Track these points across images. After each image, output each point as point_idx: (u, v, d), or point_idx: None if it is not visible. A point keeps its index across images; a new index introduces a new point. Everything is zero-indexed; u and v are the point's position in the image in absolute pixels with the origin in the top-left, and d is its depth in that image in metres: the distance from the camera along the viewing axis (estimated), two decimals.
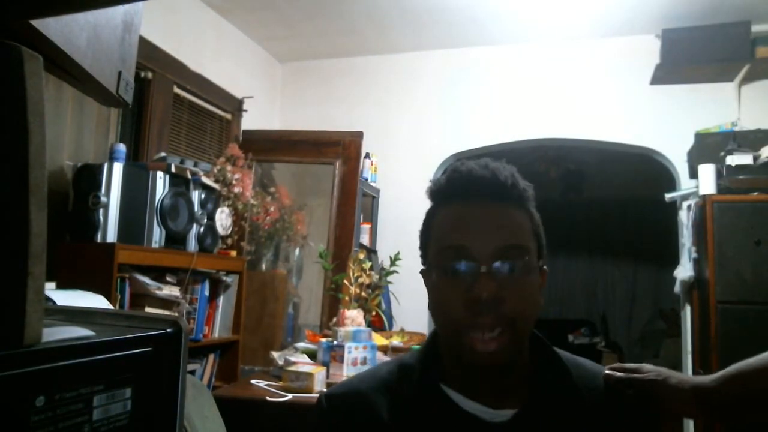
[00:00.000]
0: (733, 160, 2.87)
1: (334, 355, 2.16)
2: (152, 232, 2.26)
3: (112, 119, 2.66)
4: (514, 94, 3.67)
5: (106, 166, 2.13)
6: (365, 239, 3.62)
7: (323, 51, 3.92)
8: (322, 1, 3.22)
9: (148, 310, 2.16)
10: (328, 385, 2.00)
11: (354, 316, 2.38)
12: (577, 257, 6.94)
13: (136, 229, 2.22)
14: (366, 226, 3.66)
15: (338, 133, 3.57)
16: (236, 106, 3.57)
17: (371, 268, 2.70)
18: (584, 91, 3.55)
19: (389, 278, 2.84)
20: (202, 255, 2.51)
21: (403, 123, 3.84)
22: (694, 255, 2.96)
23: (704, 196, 2.83)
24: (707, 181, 2.88)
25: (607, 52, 3.53)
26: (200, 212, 2.55)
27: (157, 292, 2.20)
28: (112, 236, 2.10)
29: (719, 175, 2.88)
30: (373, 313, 2.76)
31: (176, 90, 3.05)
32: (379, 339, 2.44)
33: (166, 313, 2.22)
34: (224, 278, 2.70)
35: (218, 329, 2.69)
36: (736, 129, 3.10)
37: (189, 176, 2.49)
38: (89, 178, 2.11)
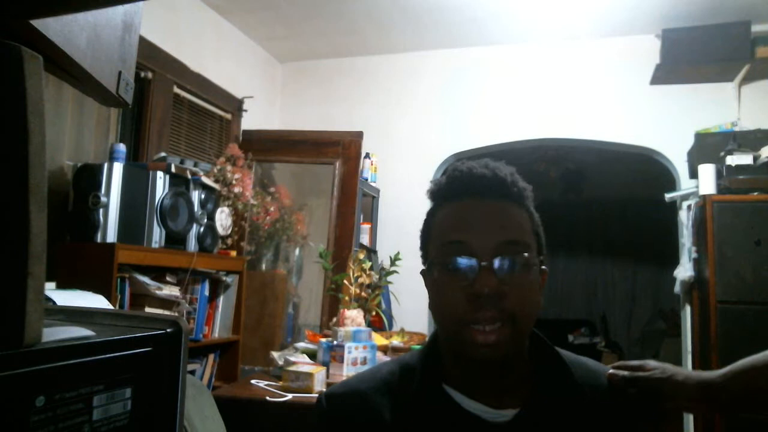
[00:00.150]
0: (733, 160, 2.87)
1: (334, 355, 2.16)
2: (152, 232, 2.26)
3: (112, 119, 2.67)
4: (514, 94, 3.67)
5: (106, 166, 2.13)
6: (365, 239, 3.62)
7: (323, 51, 3.92)
8: (322, 1, 3.22)
9: (148, 310, 2.16)
10: (328, 385, 2.00)
11: (354, 316, 2.38)
12: (577, 257, 6.95)
13: (136, 229, 2.22)
14: (366, 226, 3.66)
15: (338, 133, 3.57)
16: (236, 106, 3.57)
17: (371, 268, 2.70)
18: (584, 91, 3.55)
19: (389, 278, 2.84)
20: (202, 255, 2.51)
21: (403, 123, 3.84)
22: (694, 255, 2.96)
23: (704, 196, 2.83)
24: (707, 181, 2.88)
25: (607, 52, 3.53)
26: (200, 212, 2.55)
27: (157, 292, 2.20)
28: (112, 236, 2.10)
29: (719, 175, 2.88)
30: (373, 313, 2.76)
31: (176, 90, 3.05)
32: (379, 339, 2.44)
33: (166, 313, 2.22)
34: (224, 278, 2.70)
35: (218, 329, 2.69)
36: (736, 129, 3.10)
37: (189, 176, 2.49)
38: (89, 178, 2.11)
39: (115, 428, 0.45)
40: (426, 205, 0.87)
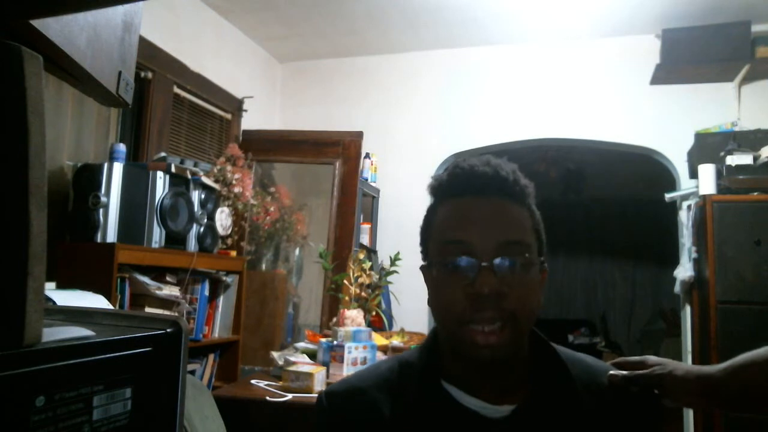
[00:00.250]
0: (733, 160, 2.87)
1: (334, 355, 2.16)
2: (152, 232, 2.26)
3: (112, 119, 2.67)
4: (514, 94, 3.67)
5: (106, 166, 2.13)
6: (365, 239, 3.62)
7: (323, 51, 3.92)
8: (322, 1, 3.22)
9: (148, 310, 2.16)
10: (328, 384, 2.00)
11: (354, 316, 2.38)
12: (577, 257, 6.95)
13: (136, 229, 2.22)
14: (366, 226, 3.66)
15: (338, 133, 3.57)
16: (236, 106, 3.57)
17: (371, 268, 2.70)
18: (584, 91, 3.55)
19: (389, 278, 2.84)
20: (202, 255, 2.51)
21: (403, 123, 3.84)
22: (694, 255, 2.96)
23: (704, 196, 2.83)
24: (707, 181, 2.89)
25: (607, 52, 3.53)
26: (200, 212, 2.55)
27: (157, 292, 2.20)
28: (112, 236, 2.10)
29: (719, 175, 2.88)
30: (373, 313, 2.76)
31: (176, 90, 3.05)
32: (379, 339, 2.44)
33: (166, 313, 2.22)
34: (224, 278, 2.70)
35: (218, 329, 2.69)
36: (736, 129, 3.10)
37: (189, 176, 2.49)
38: (89, 178, 2.11)
39: (115, 428, 0.45)
40: (426, 204, 0.86)
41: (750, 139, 2.95)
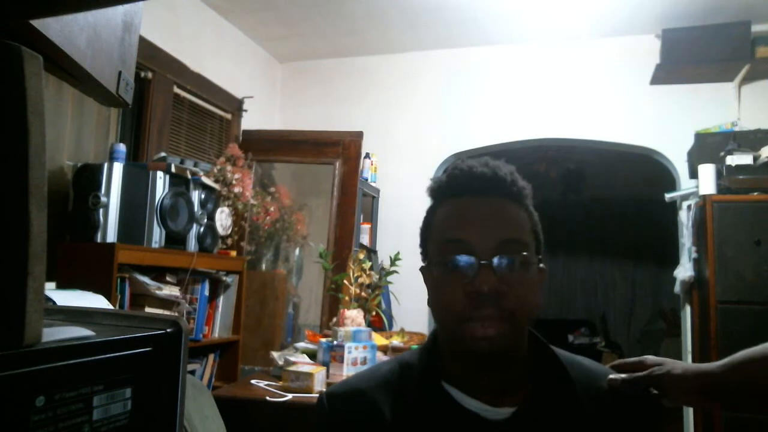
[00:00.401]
0: (733, 160, 2.87)
1: (334, 355, 2.16)
2: (152, 232, 2.26)
3: (112, 119, 2.67)
4: (514, 94, 3.67)
5: (106, 166, 2.13)
6: (365, 239, 3.62)
7: (323, 51, 3.92)
8: (322, 1, 3.22)
9: (148, 310, 2.16)
10: (328, 385, 2.00)
11: (354, 316, 2.38)
12: (577, 257, 6.95)
13: (136, 229, 2.22)
14: (366, 226, 3.66)
15: (338, 133, 3.57)
16: (236, 106, 3.57)
17: (371, 268, 2.70)
18: (584, 91, 3.55)
19: (389, 278, 2.84)
20: (202, 255, 2.51)
21: (403, 123, 3.84)
22: (694, 255, 2.96)
23: (704, 196, 2.83)
24: (707, 181, 2.89)
25: (607, 52, 3.53)
26: (200, 212, 2.55)
27: (157, 292, 2.20)
28: (112, 236, 2.10)
29: (719, 175, 2.88)
30: (373, 313, 2.76)
31: (176, 90, 3.05)
32: (379, 339, 2.44)
33: (166, 313, 2.22)
34: (224, 278, 2.70)
35: (218, 329, 2.69)
36: (736, 129, 3.10)
37: (189, 176, 2.49)
38: (89, 178, 2.11)
39: (115, 428, 0.45)
40: (426, 204, 0.87)
41: (750, 139, 2.95)
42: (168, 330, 0.52)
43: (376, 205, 3.78)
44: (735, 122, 3.20)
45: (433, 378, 0.80)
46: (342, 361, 2.12)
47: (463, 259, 0.75)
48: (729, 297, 2.68)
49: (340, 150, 3.52)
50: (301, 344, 2.44)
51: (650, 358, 0.83)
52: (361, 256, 2.73)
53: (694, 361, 3.02)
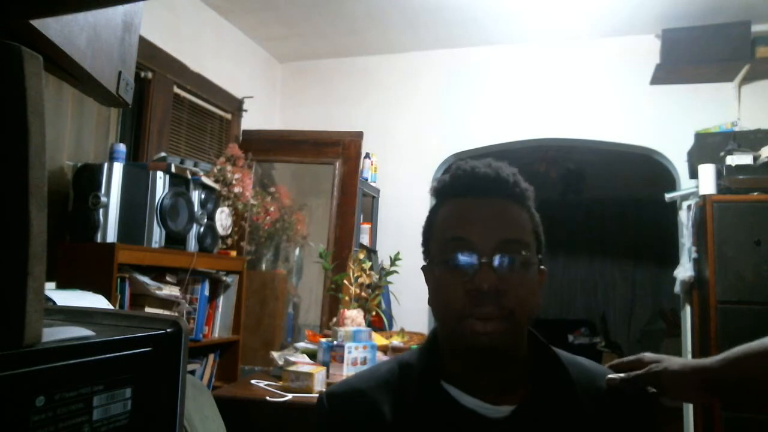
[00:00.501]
0: (733, 160, 2.87)
1: (334, 355, 2.16)
2: (152, 232, 2.26)
3: (112, 119, 2.67)
4: (514, 94, 3.67)
5: (106, 166, 2.13)
6: (365, 239, 3.62)
7: (323, 51, 3.92)
8: (322, 1, 3.22)
9: (148, 310, 2.16)
10: (328, 385, 2.00)
11: (354, 316, 2.38)
12: (577, 257, 6.95)
13: (136, 229, 2.22)
14: (366, 226, 3.66)
15: (338, 133, 3.57)
16: (236, 106, 3.57)
17: (371, 268, 2.70)
18: (584, 91, 3.55)
19: (389, 278, 2.84)
20: (202, 255, 2.51)
21: (403, 123, 3.84)
22: (694, 255, 2.96)
23: (704, 196, 2.83)
24: (707, 181, 2.88)
25: (607, 52, 3.53)
26: (200, 212, 2.55)
27: (157, 292, 2.20)
28: (112, 236, 2.10)
29: (719, 175, 2.88)
30: (373, 313, 2.76)
31: (176, 90, 3.05)
32: (379, 339, 2.44)
33: (166, 313, 2.22)
34: (224, 278, 2.70)
35: (218, 329, 2.69)
36: (736, 129, 3.10)
37: (189, 176, 2.49)
38: (89, 178, 2.11)
39: (115, 428, 0.45)
40: (426, 204, 0.88)
41: (750, 139, 2.95)
42: (168, 330, 0.52)
43: (376, 205, 3.78)
44: (735, 122, 3.20)
45: (432, 377, 0.80)
46: (342, 361, 2.12)
47: (464, 256, 0.75)
48: (729, 297, 2.67)
49: (340, 150, 3.52)
50: (301, 344, 2.44)
51: (647, 355, 0.83)
52: (361, 256, 2.73)
53: None
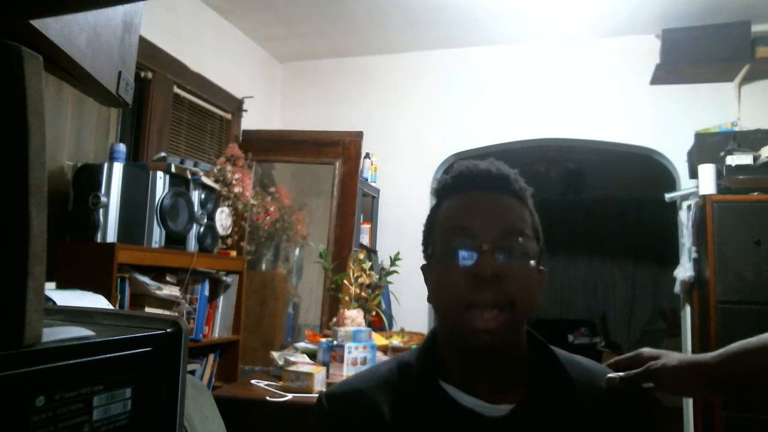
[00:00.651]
0: (733, 160, 2.87)
1: (334, 355, 2.16)
2: (152, 232, 2.26)
3: (112, 119, 2.67)
4: (514, 94, 3.67)
5: (106, 166, 2.13)
6: (365, 239, 3.62)
7: (323, 51, 3.92)
8: (322, 1, 3.22)
9: (148, 310, 2.16)
10: (328, 385, 2.00)
11: (354, 316, 2.38)
12: (577, 257, 6.95)
13: (136, 229, 2.22)
14: (366, 226, 3.66)
15: (338, 133, 3.57)
16: (236, 106, 3.57)
17: (371, 268, 2.70)
18: (584, 91, 3.55)
19: (389, 278, 2.84)
20: (202, 255, 2.51)
21: (403, 123, 3.84)
22: (694, 255, 2.96)
23: (704, 196, 2.83)
24: (707, 181, 2.89)
25: (607, 52, 3.53)
26: (200, 212, 2.55)
27: (157, 292, 2.20)
28: (112, 236, 2.10)
29: (719, 175, 2.88)
30: (373, 313, 2.76)
31: (176, 90, 3.05)
32: (379, 339, 2.44)
33: (166, 313, 2.22)
34: (224, 278, 2.70)
35: (218, 329, 2.69)
36: (736, 129, 3.10)
37: (189, 176, 2.49)
38: (89, 178, 2.11)
39: (115, 428, 0.45)
40: (426, 204, 0.88)
41: (750, 139, 2.95)
42: (168, 330, 0.52)
43: (376, 205, 3.78)
44: (735, 122, 3.20)
45: (431, 377, 0.80)
46: (342, 361, 2.12)
47: (466, 244, 0.76)
48: (729, 297, 2.68)
49: (340, 150, 3.52)
50: (301, 344, 2.44)
51: (646, 350, 0.84)
52: (361, 256, 2.73)
53: None
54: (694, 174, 3.06)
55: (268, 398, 1.92)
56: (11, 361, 0.38)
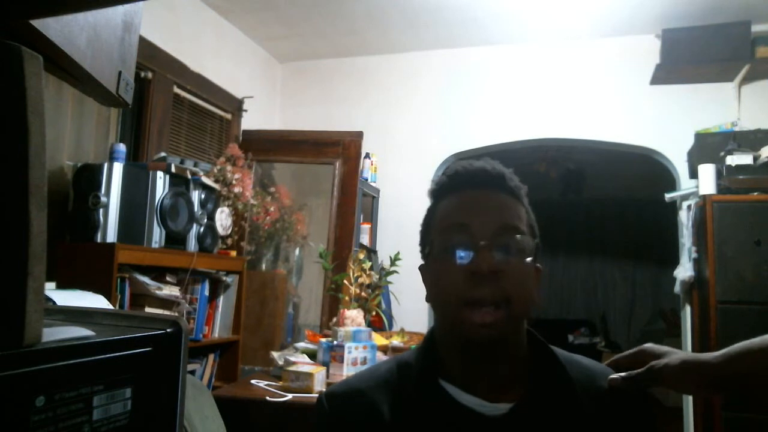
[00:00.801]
0: (733, 160, 2.87)
1: (334, 355, 2.16)
2: (152, 232, 2.26)
3: (112, 119, 2.67)
4: (514, 94, 3.67)
5: (106, 166, 2.13)
6: (365, 239, 3.62)
7: (323, 51, 3.92)
8: (322, 1, 3.22)
9: (148, 310, 2.16)
10: (328, 385, 2.00)
11: (354, 316, 2.38)
12: (577, 257, 6.95)
13: (136, 229, 2.22)
14: (366, 226, 3.66)
15: (338, 133, 3.57)
16: (236, 106, 3.57)
17: (371, 268, 2.70)
18: (584, 91, 3.55)
19: (389, 278, 2.84)
20: (202, 255, 2.51)
21: (403, 123, 3.84)
22: (694, 255, 2.96)
23: (704, 196, 2.83)
24: (707, 181, 2.89)
25: (607, 52, 3.53)
26: (200, 212, 2.55)
27: (157, 292, 2.20)
28: (112, 236, 2.10)
29: (719, 175, 2.88)
30: (373, 313, 2.76)
31: (176, 90, 3.05)
32: (379, 339, 2.44)
33: (166, 313, 2.22)
34: (224, 278, 2.70)
35: (218, 329, 2.69)
36: (736, 129, 3.10)
37: (189, 176, 2.49)
38: (89, 178, 2.11)
39: (115, 428, 0.45)
40: (426, 204, 0.88)
41: (750, 139, 2.95)
42: (168, 330, 0.52)
43: (376, 205, 3.78)
44: (735, 122, 3.20)
45: (430, 376, 0.80)
46: (342, 361, 2.12)
47: (464, 241, 0.77)
48: (729, 297, 2.67)
49: (340, 150, 3.52)
50: (301, 344, 2.44)
51: (648, 346, 0.83)
52: (361, 256, 2.73)
53: None
54: (694, 174, 3.06)
55: (268, 398, 1.92)
56: (11, 361, 0.38)
